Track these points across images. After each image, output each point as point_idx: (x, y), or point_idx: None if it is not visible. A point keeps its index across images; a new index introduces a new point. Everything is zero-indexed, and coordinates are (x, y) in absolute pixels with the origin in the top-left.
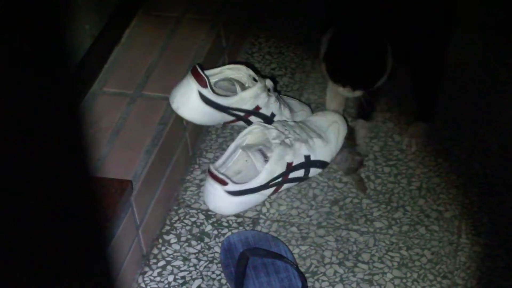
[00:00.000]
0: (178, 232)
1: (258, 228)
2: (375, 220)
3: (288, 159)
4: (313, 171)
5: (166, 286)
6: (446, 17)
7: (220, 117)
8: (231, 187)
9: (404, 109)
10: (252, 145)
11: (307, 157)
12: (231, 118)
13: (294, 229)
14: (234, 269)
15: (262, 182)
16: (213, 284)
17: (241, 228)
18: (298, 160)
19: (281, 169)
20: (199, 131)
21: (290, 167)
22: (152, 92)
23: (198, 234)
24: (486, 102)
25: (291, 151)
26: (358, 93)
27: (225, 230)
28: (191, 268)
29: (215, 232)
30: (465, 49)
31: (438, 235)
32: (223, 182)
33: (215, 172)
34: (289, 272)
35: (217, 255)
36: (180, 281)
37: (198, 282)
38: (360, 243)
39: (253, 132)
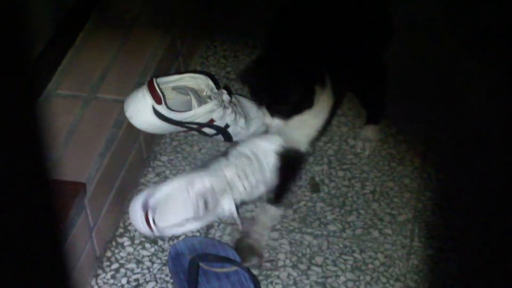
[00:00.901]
0: (131, 234)
1: (212, 231)
2: (329, 223)
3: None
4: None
5: None
6: (380, 23)
7: (173, 129)
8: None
9: (359, 113)
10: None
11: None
12: (184, 129)
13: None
14: (185, 277)
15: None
16: (167, 287)
17: (198, 234)
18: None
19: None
20: (154, 135)
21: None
22: (106, 95)
23: (152, 237)
24: (441, 105)
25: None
26: (277, 123)
27: (181, 236)
28: (145, 271)
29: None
30: (419, 51)
31: (391, 238)
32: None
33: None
34: (239, 275)
35: None
36: (134, 284)
37: (151, 284)
38: (313, 246)
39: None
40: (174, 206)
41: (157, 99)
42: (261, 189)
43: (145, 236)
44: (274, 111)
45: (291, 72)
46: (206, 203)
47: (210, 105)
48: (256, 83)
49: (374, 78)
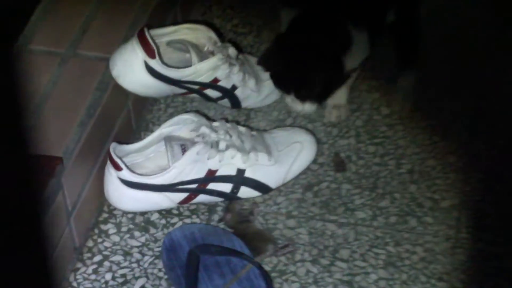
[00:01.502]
0: (118, 220)
1: (215, 217)
2: (357, 209)
3: (212, 164)
4: (245, 191)
5: (103, 286)
6: None
7: (169, 90)
8: (126, 174)
9: (393, 76)
10: (178, 138)
11: (240, 172)
12: (183, 91)
13: (258, 219)
14: (183, 272)
15: (167, 181)
16: (160, 284)
17: (194, 216)
18: (227, 170)
19: (197, 173)
20: (145, 99)
21: (212, 175)
22: (88, 51)
23: (142, 224)
24: (491, 70)
25: (218, 157)
26: (309, 107)
27: (175, 219)
28: (134, 265)
29: (163, 221)
30: (469, 11)
31: (432, 228)
32: (117, 167)
33: (112, 153)
34: (248, 271)
35: None
36: (120, 280)
37: (141, 281)
38: (338, 237)
39: (185, 122)
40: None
41: (150, 52)
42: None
43: (134, 223)
44: (304, 97)
45: (317, 50)
46: (184, 147)
47: (213, 60)
48: (280, 69)
49: (409, 12)
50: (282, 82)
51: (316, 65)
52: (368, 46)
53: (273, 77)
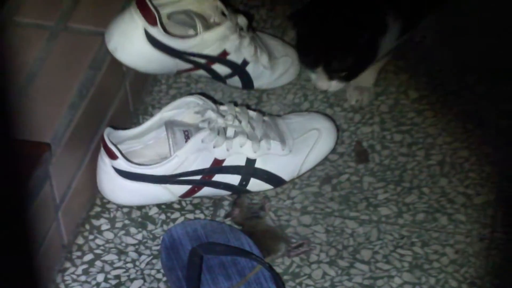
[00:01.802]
0: (112, 215)
1: (221, 212)
2: (380, 205)
3: (218, 153)
4: (255, 184)
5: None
6: None
7: (172, 64)
8: (122, 164)
9: (424, 55)
10: (180, 123)
11: (250, 162)
12: (188, 66)
13: (270, 215)
14: (184, 273)
15: (168, 172)
16: (159, 287)
17: (197, 211)
18: (235, 160)
19: (202, 163)
20: (144, 79)
21: (218, 166)
22: (81, 25)
23: (139, 219)
24: None
25: (226, 145)
26: (336, 86)
27: (176, 215)
28: (129, 265)
29: (162, 216)
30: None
31: (465, 227)
32: (111, 155)
33: (106, 139)
34: (258, 273)
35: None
36: (113, 282)
37: (137, 283)
38: (359, 236)
39: (189, 106)
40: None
41: (151, 19)
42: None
43: (130, 218)
44: (334, 71)
45: (357, 20)
46: (187, 133)
47: (221, 29)
48: (311, 30)
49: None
50: (310, 49)
51: (354, 34)
52: (400, 36)
53: (301, 41)
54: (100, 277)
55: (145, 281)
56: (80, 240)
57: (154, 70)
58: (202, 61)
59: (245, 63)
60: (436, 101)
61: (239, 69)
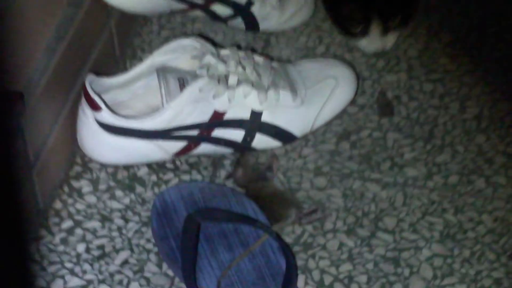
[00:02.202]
0: (94, 176)
1: (222, 173)
2: (407, 165)
3: (219, 105)
4: (261, 140)
5: (74, 260)
6: None
7: (165, 4)
8: (106, 116)
9: None
10: (175, 70)
11: (256, 115)
12: (182, 6)
13: (278, 176)
14: (178, 243)
15: (160, 126)
16: (148, 259)
17: (194, 172)
18: (238, 113)
19: (200, 116)
20: (132, 18)
21: (218, 119)
22: None
23: (127, 181)
24: None
25: (228, 95)
26: (392, 38)
27: (169, 175)
28: (114, 233)
29: (153, 178)
30: None
31: (505, 191)
32: (94, 106)
33: (88, 88)
34: (264, 244)
35: None
36: (96, 253)
37: (124, 254)
38: (382, 201)
39: (185, 50)
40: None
41: None
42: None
43: (116, 180)
44: (390, 16)
45: None
46: (183, 81)
47: None
48: None
49: None
50: (356, 4)
51: None
52: None
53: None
54: (81, 247)
55: (132, 252)
56: (58, 205)
57: (143, 11)
58: (199, 0)
59: (249, 3)
60: (473, 45)
61: (243, 10)
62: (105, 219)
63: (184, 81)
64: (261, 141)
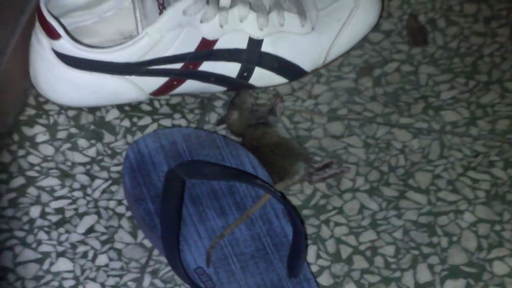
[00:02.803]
0: (51, 121)
1: (212, 117)
2: (445, 107)
3: (208, 31)
4: (261, 76)
5: (26, 227)
6: None
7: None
8: (66, 45)
9: None
10: None
11: (255, 43)
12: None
13: (283, 121)
14: (156, 206)
15: (134, 57)
16: (119, 226)
17: (177, 115)
18: (232, 41)
19: (184, 45)
20: None
21: (208, 49)
22: None
23: (92, 127)
24: None
25: (219, 18)
26: None
27: (146, 120)
28: (77, 194)
29: (125, 122)
30: None
31: None
32: (51, 33)
33: (43, 9)
34: (265, 206)
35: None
36: (54, 219)
37: (89, 220)
38: (413, 153)
39: None
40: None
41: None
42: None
43: (79, 126)
44: None
45: None
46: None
47: None
48: None
49: None
50: None
51: None
52: None
53: None
54: (35, 211)
55: (100, 217)
56: (5, 157)
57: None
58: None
59: None
60: None
61: None
62: (65, 175)
63: (164, 1)
64: (261, 76)
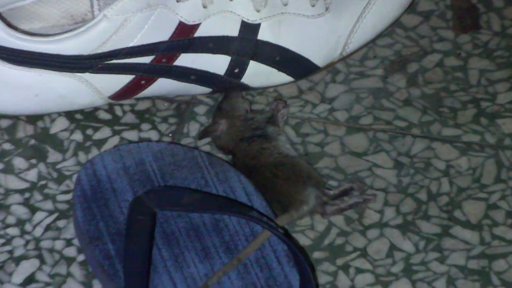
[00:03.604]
0: None
1: (193, 128)
2: (503, 114)
3: (186, 13)
4: (258, 73)
5: None
6: None
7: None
8: None
9: None
10: None
11: (249, 30)
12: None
13: (286, 132)
14: (117, 246)
15: (88, 49)
16: (70, 273)
17: (145, 126)
18: (218, 27)
19: (154, 33)
20: None
21: (186, 37)
22: None
23: (32, 142)
24: None
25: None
26: None
27: (104, 132)
28: (12, 231)
29: (76, 135)
30: None
31: None
32: None
33: None
34: (263, 248)
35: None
36: None
37: (27, 267)
38: (461, 175)
39: None
40: None
41: None
42: None
43: (13, 140)
44: None
45: None
46: None
47: None
48: None
49: None
50: None
51: None
52: None
53: None
54: None
55: (43, 262)
56: None
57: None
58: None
59: None
60: None
61: None
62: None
63: None
64: (258, 73)
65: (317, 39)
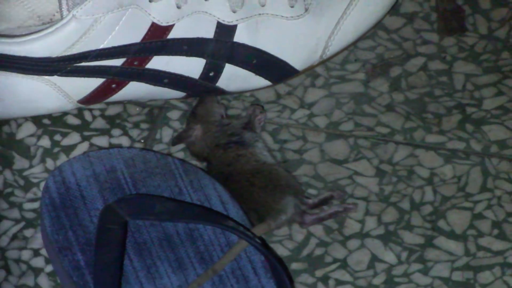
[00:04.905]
0: None
1: (166, 133)
2: (488, 120)
3: (159, 13)
4: (234, 76)
5: None
6: None
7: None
8: None
9: None
10: None
11: (225, 31)
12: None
13: (264, 138)
14: (87, 257)
15: (56, 51)
16: (37, 285)
17: (116, 131)
18: (193, 28)
19: (126, 34)
20: None
21: (159, 39)
22: None
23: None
24: None
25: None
26: None
27: (73, 138)
28: None
29: (44, 141)
30: None
31: None
32: None
33: None
34: (240, 259)
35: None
36: None
37: None
38: (445, 184)
39: None
40: None
41: None
42: None
43: None
44: None
45: None
46: None
47: None
48: None
49: None
50: None
51: None
52: None
53: None
54: None
55: (9, 272)
56: None
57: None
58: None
59: None
60: None
61: None
62: None
63: None
64: (233, 77)
65: (296, 41)
